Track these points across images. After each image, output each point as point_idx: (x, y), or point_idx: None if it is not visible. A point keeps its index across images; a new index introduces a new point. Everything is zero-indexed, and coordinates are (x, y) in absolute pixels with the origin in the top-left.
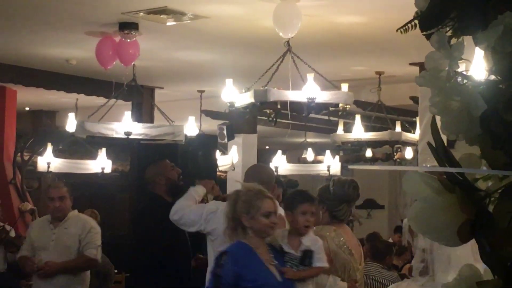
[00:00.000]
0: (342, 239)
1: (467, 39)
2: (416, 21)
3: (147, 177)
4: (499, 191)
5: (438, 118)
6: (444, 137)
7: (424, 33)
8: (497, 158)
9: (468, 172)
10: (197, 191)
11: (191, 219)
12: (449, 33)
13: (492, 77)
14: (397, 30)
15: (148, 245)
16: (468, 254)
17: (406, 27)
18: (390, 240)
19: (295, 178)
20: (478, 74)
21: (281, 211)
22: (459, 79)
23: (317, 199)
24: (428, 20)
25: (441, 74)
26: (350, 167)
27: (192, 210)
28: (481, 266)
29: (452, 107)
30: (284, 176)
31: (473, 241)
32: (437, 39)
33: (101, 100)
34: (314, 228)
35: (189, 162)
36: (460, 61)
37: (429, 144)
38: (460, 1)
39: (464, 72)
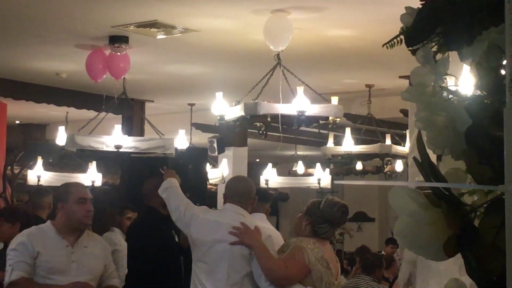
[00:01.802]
0: (321, 252)
1: (453, 54)
2: (402, 37)
3: (145, 189)
4: (485, 205)
5: (424, 133)
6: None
7: (410, 48)
8: (483, 173)
9: (454, 187)
10: (171, 182)
11: (173, 204)
12: (434, 49)
13: (478, 92)
14: (383, 46)
15: (141, 256)
16: (450, 265)
17: (392, 42)
18: (382, 253)
19: (285, 191)
20: (466, 89)
21: (261, 221)
22: (445, 94)
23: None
24: (413, 35)
25: (426, 89)
26: (335, 182)
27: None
28: (466, 279)
29: (437, 122)
30: (274, 189)
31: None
32: (423, 54)
33: (91, 114)
34: (294, 239)
35: (180, 175)
36: (446, 76)
37: (415, 159)
38: (446, 16)
39: (449, 87)
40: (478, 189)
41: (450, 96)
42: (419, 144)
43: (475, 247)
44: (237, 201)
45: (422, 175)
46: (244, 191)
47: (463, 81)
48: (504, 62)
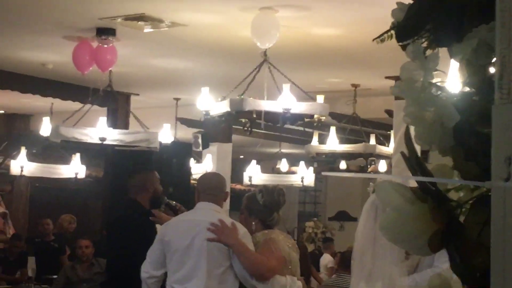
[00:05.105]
0: (289, 239)
1: (443, 51)
2: (392, 32)
3: (136, 182)
4: (470, 202)
5: (411, 128)
6: (418, 148)
7: (400, 43)
8: (469, 169)
9: (440, 182)
10: None
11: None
12: (424, 45)
13: (466, 89)
14: (373, 40)
15: (122, 252)
16: (389, 268)
17: (383, 37)
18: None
19: (259, 189)
20: (453, 85)
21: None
22: (434, 90)
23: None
24: (404, 31)
25: (415, 84)
26: (323, 173)
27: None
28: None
29: (426, 117)
30: (257, 186)
31: (397, 255)
32: (413, 50)
33: (76, 105)
34: (260, 233)
35: (163, 170)
36: (435, 72)
37: (402, 153)
38: (436, 13)
39: (438, 83)
40: (464, 185)
41: (439, 92)
42: (407, 138)
43: (459, 242)
44: (211, 195)
45: (409, 169)
46: (216, 186)
47: (451, 77)
48: (494, 60)
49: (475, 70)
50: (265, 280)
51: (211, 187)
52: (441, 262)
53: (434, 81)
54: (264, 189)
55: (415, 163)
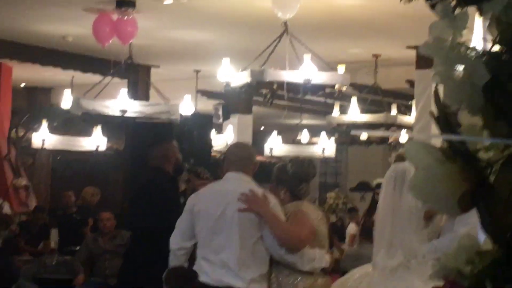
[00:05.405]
0: (318, 212)
1: (470, 9)
2: None
3: (158, 153)
4: (500, 161)
5: (441, 87)
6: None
7: (429, 2)
8: (499, 129)
9: (470, 141)
10: None
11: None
12: (453, 3)
13: (496, 47)
14: (401, 0)
15: (145, 216)
16: (408, 236)
17: None
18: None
19: (289, 159)
20: (480, 44)
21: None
22: (463, 49)
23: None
24: None
25: (444, 43)
26: (352, 132)
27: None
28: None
29: (455, 76)
30: (278, 157)
31: (416, 224)
32: (442, 8)
33: (97, 78)
34: (289, 204)
35: (184, 141)
36: (464, 30)
37: (431, 113)
38: None
39: (468, 42)
40: (494, 145)
41: (469, 50)
42: (436, 97)
43: (490, 202)
44: (239, 166)
45: (438, 128)
46: (245, 156)
47: (477, 37)
48: None
49: (505, 28)
50: (295, 251)
51: (240, 157)
52: (460, 226)
53: (463, 39)
54: (294, 160)
55: (444, 122)
